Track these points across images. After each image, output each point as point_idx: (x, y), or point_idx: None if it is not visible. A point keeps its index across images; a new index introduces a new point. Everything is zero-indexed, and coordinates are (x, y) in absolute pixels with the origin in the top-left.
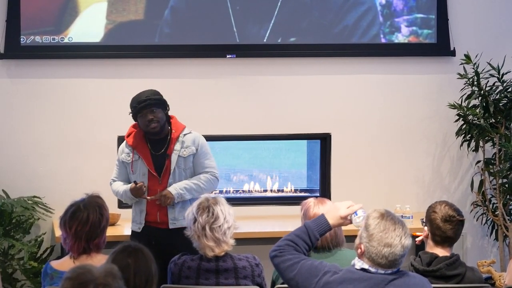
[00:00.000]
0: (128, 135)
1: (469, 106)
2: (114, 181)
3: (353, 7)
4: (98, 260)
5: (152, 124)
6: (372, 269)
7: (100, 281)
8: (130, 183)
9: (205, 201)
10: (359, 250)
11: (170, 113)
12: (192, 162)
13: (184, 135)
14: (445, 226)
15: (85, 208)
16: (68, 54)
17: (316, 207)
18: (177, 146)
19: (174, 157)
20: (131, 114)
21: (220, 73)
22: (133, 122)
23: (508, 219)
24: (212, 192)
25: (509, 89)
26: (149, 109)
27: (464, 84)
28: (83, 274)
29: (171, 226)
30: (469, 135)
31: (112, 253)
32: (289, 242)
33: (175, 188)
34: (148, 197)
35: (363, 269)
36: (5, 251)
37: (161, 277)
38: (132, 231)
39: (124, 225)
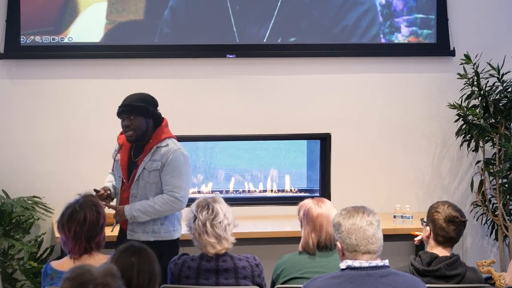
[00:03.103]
0: (121, 133)
1: (469, 106)
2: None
3: (353, 7)
4: (99, 260)
5: (127, 132)
6: (356, 264)
7: (99, 281)
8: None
9: (204, 200)
10: (339, 252)
11: (168, 112)
12: (160, 177)
13: (158, 147)
14: (448, 227)
15: (81, 209)
16: (68, 54)
17: (318, 207)
18: (147, 158)
19: (140, 168)
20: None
21: (220, 73)
22: None
23: (508, 219)
24: (169, 212)
25: (509, 89)
26: (127, 115)
27: (464, 84)
28: (82, 274)
29: (128, 237)
30: (469, 135)
31: (115, 252)
32: None
33: (129, 209)
34: (107, 205)
35: (348, 268)
36: (5, 251)
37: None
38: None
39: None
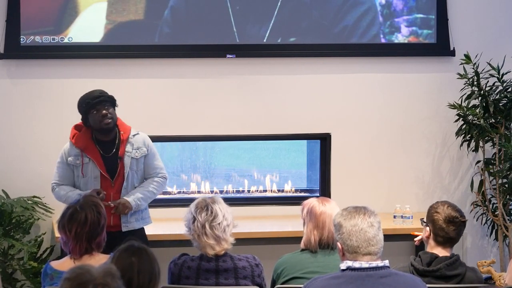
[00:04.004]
0: (72, 137)
1: (469, 106)
2: (58, 185)
3: (353, 7)
4: (100, 260)
5: (106, 120)
6: (356, 264)
7: (99, 281)
8: (75, 187)
9: (203, 200)
10: (340, 252)
11: (168, 112)
12: (143, 163)
13: (134, 136)
14: (448, 227)
15: (82, 209)
16: (68, 54)
17: (321, 205)
18: (128, 148)
19: (127, 160)
20: (80, 113)
21: (220, 73)
22: (74, 124)
23: (508, 219)
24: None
25: (509, 89)
26: (103, 105)
27: (464, 84)
28: (82, 274)
29: (123, 229)
30: (469, 135)
31: (115, 252)
32: None
33: (133, 199)
34: (107, 203)
35: (348, 268)
36: (5, 251)
37: None
38: None
39: None
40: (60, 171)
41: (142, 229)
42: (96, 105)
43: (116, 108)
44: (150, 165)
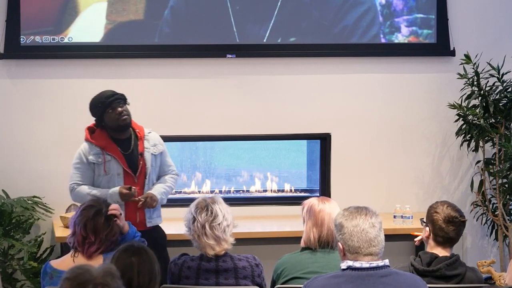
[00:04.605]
0: (90, 137)
1: (469, 106)
2: (78, 185)
3: (353, 7)
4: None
5: (123, 117)
6: (357, 264)
7: (99, 281)
8: (95, 185)
9: (203, 200)
10: (341, 252)
11: (168, 112)
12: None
13: (149, 133)
14: (448, 227)
15: (109, 219)
16: (68, 54)
17: (321, 203)
18: (146, 144)
19: (147, 155)
20: (94, 114)
21: (220, 73)
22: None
23: (508, 219)
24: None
25: (509, 89)
26: (117, 103)
27: (464, 84)
28: (81, 274)
29: (148, 225)
30: (469, 135)
31: (115, 253)
32: None
33: (158, 193)
34: (136, 198)
35: (349, 268)
36: (5, 251)
37: None
38: None
39: None
40: (79, 171)
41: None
42: (111, 104)
43: (128, 105)
44: (165, 163)
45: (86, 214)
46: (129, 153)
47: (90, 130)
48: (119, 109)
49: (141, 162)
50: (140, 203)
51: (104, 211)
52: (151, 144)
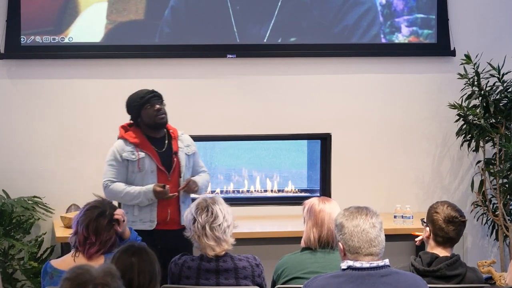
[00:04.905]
0: (125, 134)
1: (469, 106)
2: (112, 181)
3: (353, 7)
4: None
5: (160, 114)
6: (357, 264)
7: (99, 281)
8: (129, 183)
9: (204, 201)
10: (341, 252)
11: (169, 113)
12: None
13: (182, 134)
14: (448, 227)
15: (110, 221)
16: (68, 54)
17: (321, 203)
18: (180, 144)
19: (181, 155)
20: (130, 111)
21: (220, 73)
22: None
23: (508, 219)
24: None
25: (509, 89)
26: (156, 100)
27: (464, 84)
28: (81, 274)
29: (182, 222)
30: (469, 135)
31: (115, 253)
32: None
33: (198, 180)
34: (171, 194)
35: (349, 268)
36: (5, 251)
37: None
38: (137, 231)
39: None
40: (113, 168)
41: None
42: (150, 100)
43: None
44: (197, 163)
45: (89, 214)
46: (163, 152)
47: (124, 128)
48: (158, 106)
49: (175, 160)
50: (183, 188)
51: (108, 213)
52: (185, 144)
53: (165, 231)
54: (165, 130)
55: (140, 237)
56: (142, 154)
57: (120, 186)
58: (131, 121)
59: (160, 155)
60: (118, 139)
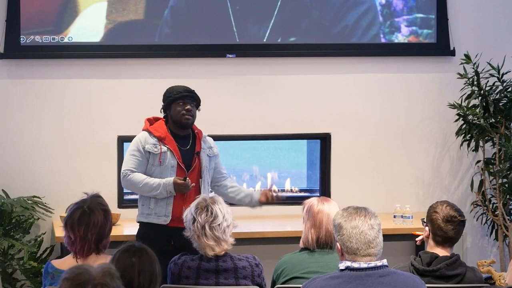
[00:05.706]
0: (149, 127)
1: (469, 106)
2: (132, 171)
3: (353, 7)
4: (106, 260)
5: (187, 115)
6: (355, 265)
7: (98, 280)
8: (148, 175)
9: (203, 201)
10: (339, 252)
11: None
12: (214, 163)
13: (206, 136)
14: (447, 227)
15: (91, 211)
16: (68, 54)
17: (320, 204)
18: (203, 146)
19: (203, 156)
20: (164, 101)
21: (220, 73)
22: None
23: (508, 219)
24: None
25: (509, 89)
26: (191, 100)
27: (464, 84)
28: (81, 274)
29: None
30: (469, 135)
31: (116, 253)
32: None
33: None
34: (191, 185)
35: (347, 268)
36: (5, 251)
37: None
38: (151, 224)
39: (123, 225)
40: (134, 158)
41: None
42: (184, 97)
43: (198, 111)
44: (220, 166)
45: (68, 214)
46: (186, 150)
47: (150, 121)
48: (189, 106)
49: (196, 159)
50: (274, 193)
51: (87, 207)
52: (207, 146)
53: (179, 229)
54: (190, 129)
55: None
56: (164, 149)
57: (139, 176)
58: (161, 112)
59: (182, 153)
60: (142, 130)
